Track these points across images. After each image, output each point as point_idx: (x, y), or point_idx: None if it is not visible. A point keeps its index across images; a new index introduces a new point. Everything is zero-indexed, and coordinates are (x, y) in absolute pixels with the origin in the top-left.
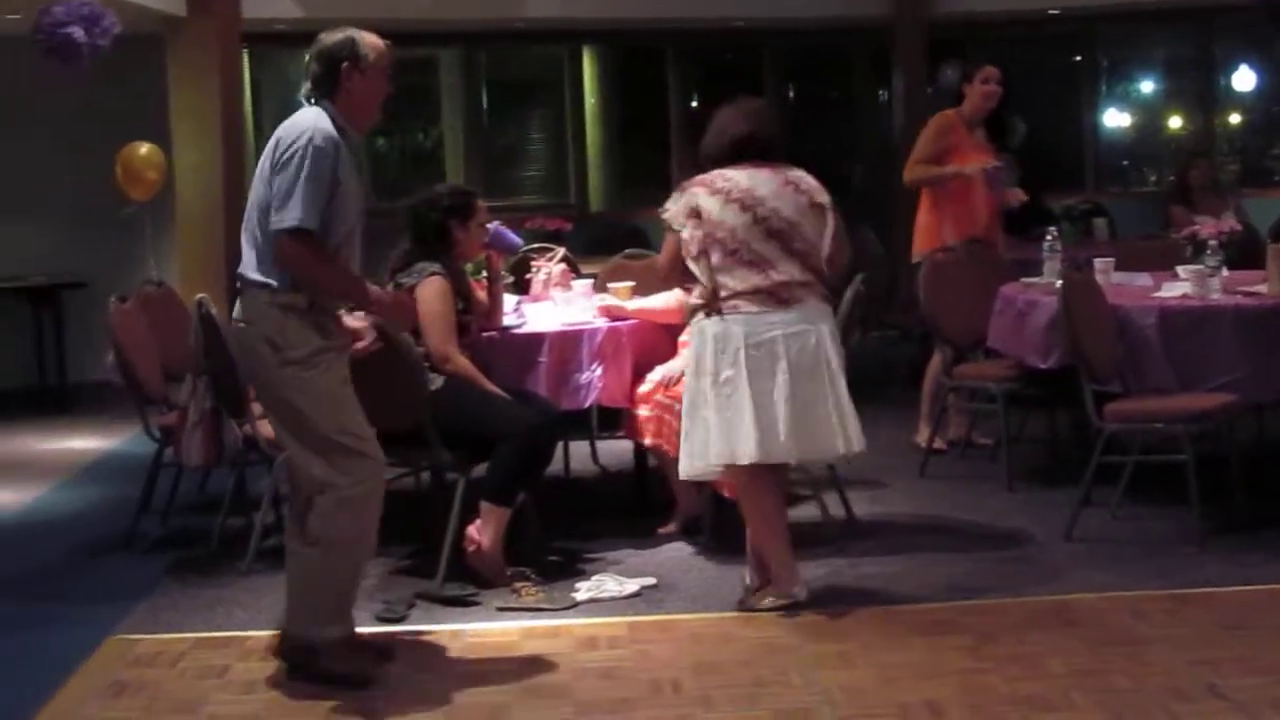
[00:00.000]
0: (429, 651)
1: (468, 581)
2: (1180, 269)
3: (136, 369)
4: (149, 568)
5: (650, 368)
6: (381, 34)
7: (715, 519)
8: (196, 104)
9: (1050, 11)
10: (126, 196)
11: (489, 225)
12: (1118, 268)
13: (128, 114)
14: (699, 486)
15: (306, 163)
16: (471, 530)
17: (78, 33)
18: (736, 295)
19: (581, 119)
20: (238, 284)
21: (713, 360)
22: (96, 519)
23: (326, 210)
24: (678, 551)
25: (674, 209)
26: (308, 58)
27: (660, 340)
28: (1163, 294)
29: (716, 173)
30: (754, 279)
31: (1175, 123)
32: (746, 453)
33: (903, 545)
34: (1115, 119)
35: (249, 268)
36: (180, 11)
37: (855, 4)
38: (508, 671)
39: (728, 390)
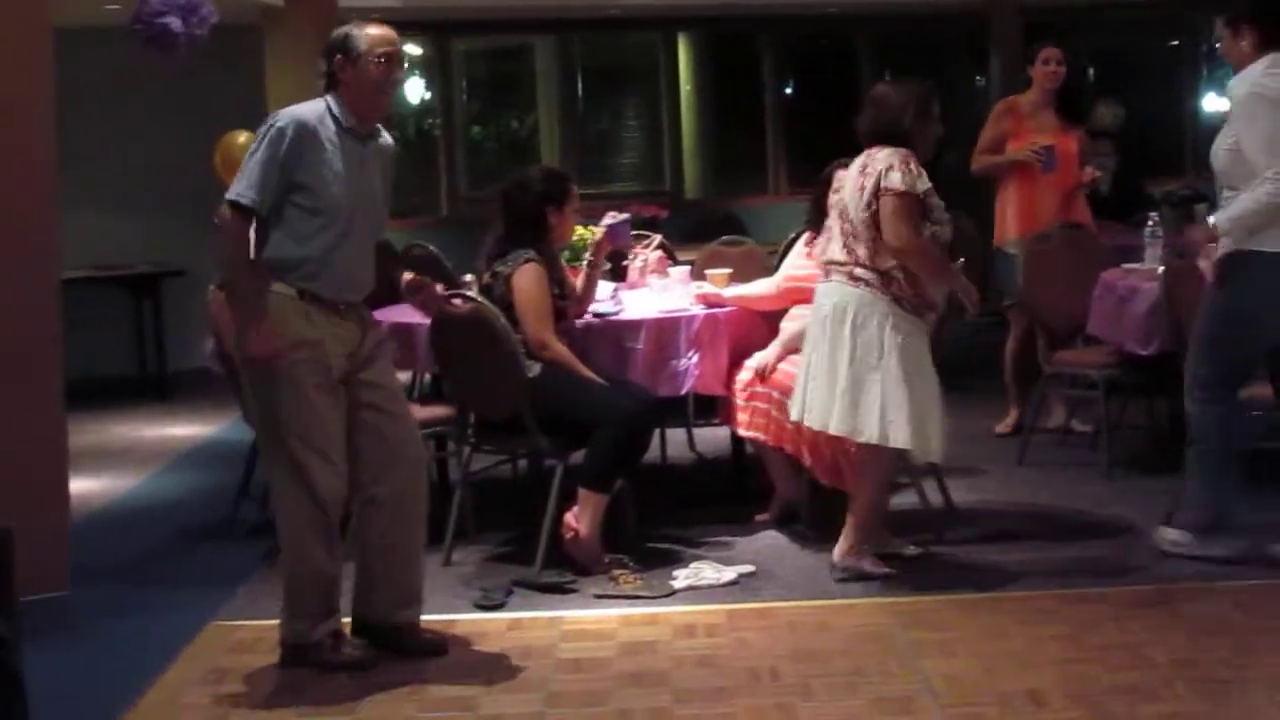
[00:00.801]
0: (527, 638)
1: (565, 568)
2: None
3: (235, 357)
4: (248, 554)
5: (747, 355)
6: (478, 22)
7: (813, 506)
8: (294, 93)
9: None
10: (226, 185)
11: (613, 217)
12: None
13: (227, 103)
14: (797, 473)
15: (263, 144)
16: (569, 517)
17: (175, 22)
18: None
19: (676, 106)
20: None
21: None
22: (196, 505)
23: (290, 194)
24: (775, 539)
25: None
26: None
27: (757, 327)
28: None
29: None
30: (837, 251)
31: None
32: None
33: (1001, 533)
34: (1215, 103)
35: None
36: (278, 1)
37: None
38: (606, 658)
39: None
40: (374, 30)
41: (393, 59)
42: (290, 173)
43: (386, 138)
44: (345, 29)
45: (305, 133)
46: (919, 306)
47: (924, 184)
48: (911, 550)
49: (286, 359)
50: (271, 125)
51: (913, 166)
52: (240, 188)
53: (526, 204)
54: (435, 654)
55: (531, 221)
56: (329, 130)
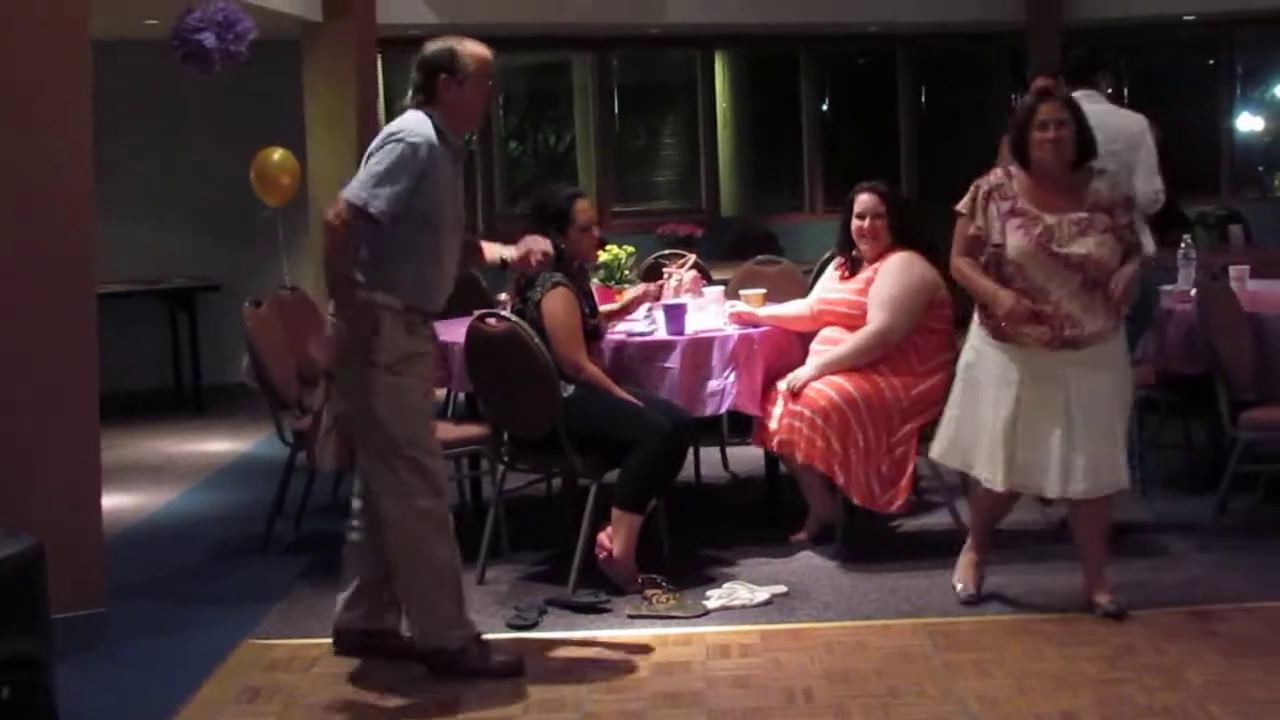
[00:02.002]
0: (561, 658)
1: (600, 588)
2: None
3: (271, 373)
4: (282, 571)
5: (782, 375)
6: (515, 39)
7: (847, 527)
8: (332, 109)
9: (1185, 17)
10: (261, 200)
11: (675, 297)
12: (1253, 275)
13: (265, 119)
14: (832, 492)
15: (394, 158)
16: (603, 537)
17: (209, 39)
18: None
19: (713, 123)
20: None
21: None
22: (231, 522)
23: (410, 210)
24: (809, 559)
25: None
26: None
27: (792, 347)
28: None
29: None
30: None
31: None
32: None
33: (1037, 554)
34: (1251, 124)
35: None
36: (317, 17)
37: (989, 9)
38: (640, 679)
39: None
40: (478, 49)
41: (492, 79)
42: (415, 190)
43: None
44: (448, 46)
45: (434, 152)
46: (993, 328)
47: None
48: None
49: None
50: (400, 139)
51: (980, 184)
52: (367, 195)
53: (531, 231)
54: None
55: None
56: (441, 148)
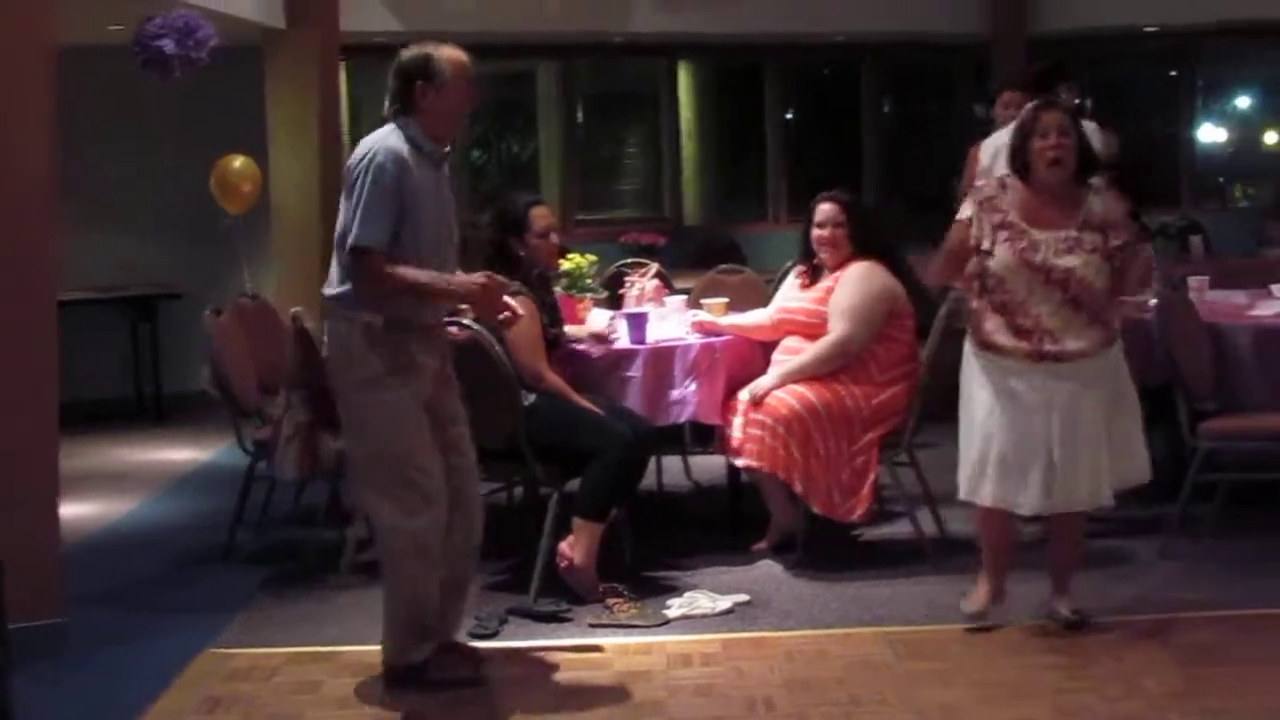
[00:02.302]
0: (522, 667)
1: (561, 597)
2: (1275, 287)
3: (232, 381)
4: (243, 581)
5: (744, 384)
6: (480, 47)
7: (808, 536)
8: (295, 116)
9: (1148, 28)
10: (222, 208)
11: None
12: (1213, 285)
13: (227, 126)
14: (794, 502)
15: (368, 183)
16: (564, 546)
17: (169, 45)
18: None
19: (677, 133)
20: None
21: None
22: (191, 531)
23: (402, 225)
24: (771, 568)
25: None
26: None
27: (754, 356)
28: (1258, 312)
29: None
30: None
31: (1271, 139)
32: None
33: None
34: (1212, 135)
35: (330, 285)
36: (279, 24)
37: (954, 20)
38: (601, 688)
39: None
40: (455, 54)
41: (471, 84)
42: (400, 203)
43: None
44: (424, 52)
45: (402, 163)
46: (979, 341)
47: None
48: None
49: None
50: (370, 162)
51: (976, 192)
52: (357, 233)
53: (491, 239)
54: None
55: (501, 255)
56: (413, 159)
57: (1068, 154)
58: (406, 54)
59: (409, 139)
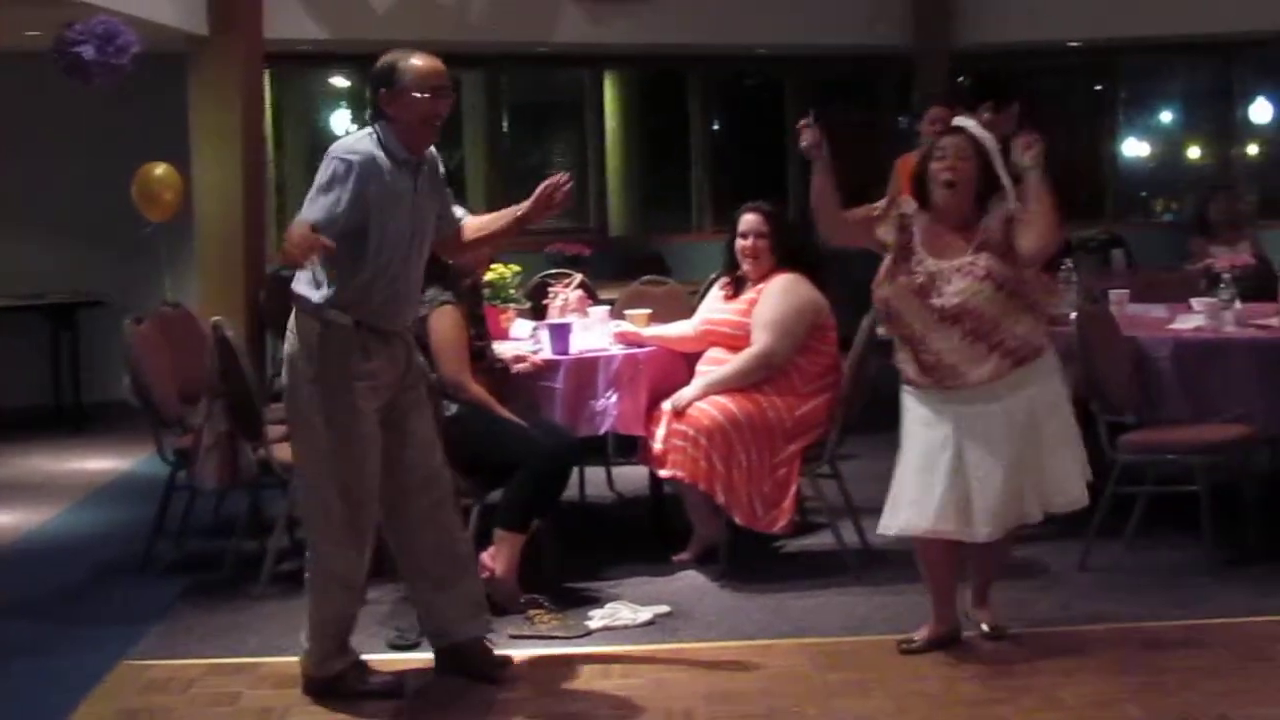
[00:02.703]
0: (441, 678)
1: None
2: (1195, 301)
3: (152, 391)
4: (162, 591)
5: (667, 395)
6: None
7: (731, 548)
8: (218, 124)
9: (1070, 43)
10: (143, 216)
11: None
12: (1134, 299)
13: (150, 133)
14: (716, 513)
15: (325, 176)
16: (485, 557)
17: (88, 51)
18: None
19: (602, 143)
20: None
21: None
22: (111, 541)
23: (351, 227)
24: (693, 579)
25: None
26: None
27: (677, 368)
28: (1177, 326)
29: None
30: None
31: (1194, 154)
32: None
33: (918, 574)
34: (1135, 149)
35: (298, 281)
36: (203, 31)
37: (878, 33)
38: (521, 699)
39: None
40: (419, 61)
41: (439, 91)
42: (353, 205)
43: (432, 151)
44: (390, 59)
45: (371, 168)
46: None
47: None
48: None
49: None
50: (331, 159)
51: (899, 202)
52: (307, 212)
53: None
54: (499, 670)
55: (430, 264)
56: (385, 164)
57: (962, 177)
58: (379, 61)
59: (382, 145)
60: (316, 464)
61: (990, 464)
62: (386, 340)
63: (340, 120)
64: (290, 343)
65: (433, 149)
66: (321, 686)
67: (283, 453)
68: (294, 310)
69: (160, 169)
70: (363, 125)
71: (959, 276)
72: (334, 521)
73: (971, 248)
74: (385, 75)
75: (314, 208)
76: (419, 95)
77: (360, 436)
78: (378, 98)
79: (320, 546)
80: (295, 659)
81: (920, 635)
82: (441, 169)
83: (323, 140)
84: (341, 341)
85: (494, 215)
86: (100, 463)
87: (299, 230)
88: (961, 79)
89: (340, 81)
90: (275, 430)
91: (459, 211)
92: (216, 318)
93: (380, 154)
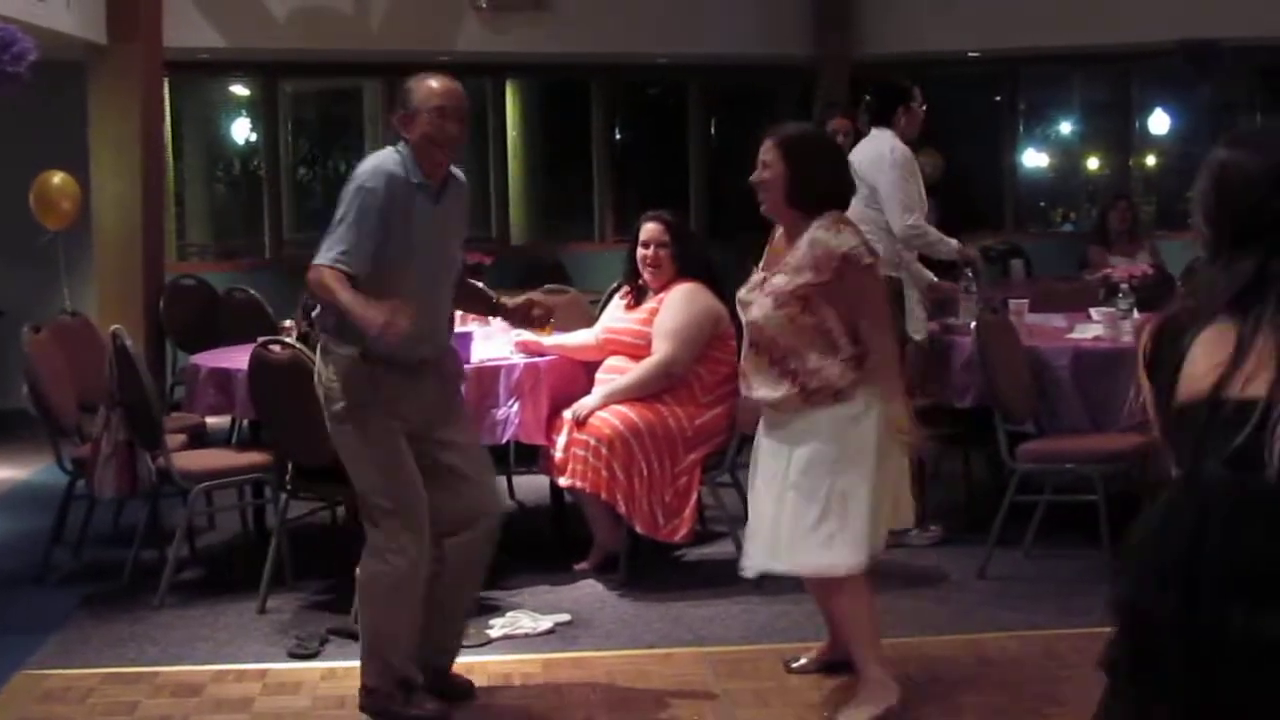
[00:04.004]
0: (342, 687)
1: None
2: (1093, 311)
3: (50, 399)
4: (60, 601)
5: (568, 404)
6: (305, 65)
7: (631, 556)
8: (117, 132)
9: (971, 54)
10: (41, 225)
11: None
12: (1034, 308)
13: (48, 141)
14: (617, 522)
15: (355, 206)
16: None
17: None
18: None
19: (504, 152)
20: None
21: (876, 439)
22: (8, 550)
23: (385, 247)
24: (593, 588)
25: (856, 239)
26: None
27: (578, 377)
28: (1076, 335)
29: (841, 212)
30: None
31: (1093, 164)
32: (880, 546)
33: None
34: (1034, 160)
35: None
36: (101, 39)
37: (779, 43)
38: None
39: (876, 476)
40: (432, 82)
41: (445, 112)
42: (385, 228)
43: (457, 177)
44: (409, 80)
45: (394, 187)
46: None
47: None
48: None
49: (397, 328)
50: (358, 187)
51: None
52: (336, 254)
53: None
54: (463, 698)
55: None
56: (405, 185)
57: (768, 185)
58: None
59: (403, 165)
60: (363, 490)
61: (761, 493)
62: (406, 372)
63: (240, 129)
64: (317, 382)
65: (463, 177)
66: (377, 702)
67: (183, 461)
68: (320, 349)
69: (58, 177)
70: (260, 134)
71: (761, 294)
72: (381, 523)
73: (781, 267)
74: (402, 96)
75: (335, 240)
76: (426, 115)
77: (380, 462)
78: (397, 120)
79: (368, 555)
80: (194, 668)
81: (809, 656)
82: (466, 199)
83: (222, 149)
84: (350, 374)
85: (478, 289)
86: None
87: (372, 313)
88: (866, 97)
89: (240, 90)
90: (174, 439)
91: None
92: (115, 326)
93: (400, 173)
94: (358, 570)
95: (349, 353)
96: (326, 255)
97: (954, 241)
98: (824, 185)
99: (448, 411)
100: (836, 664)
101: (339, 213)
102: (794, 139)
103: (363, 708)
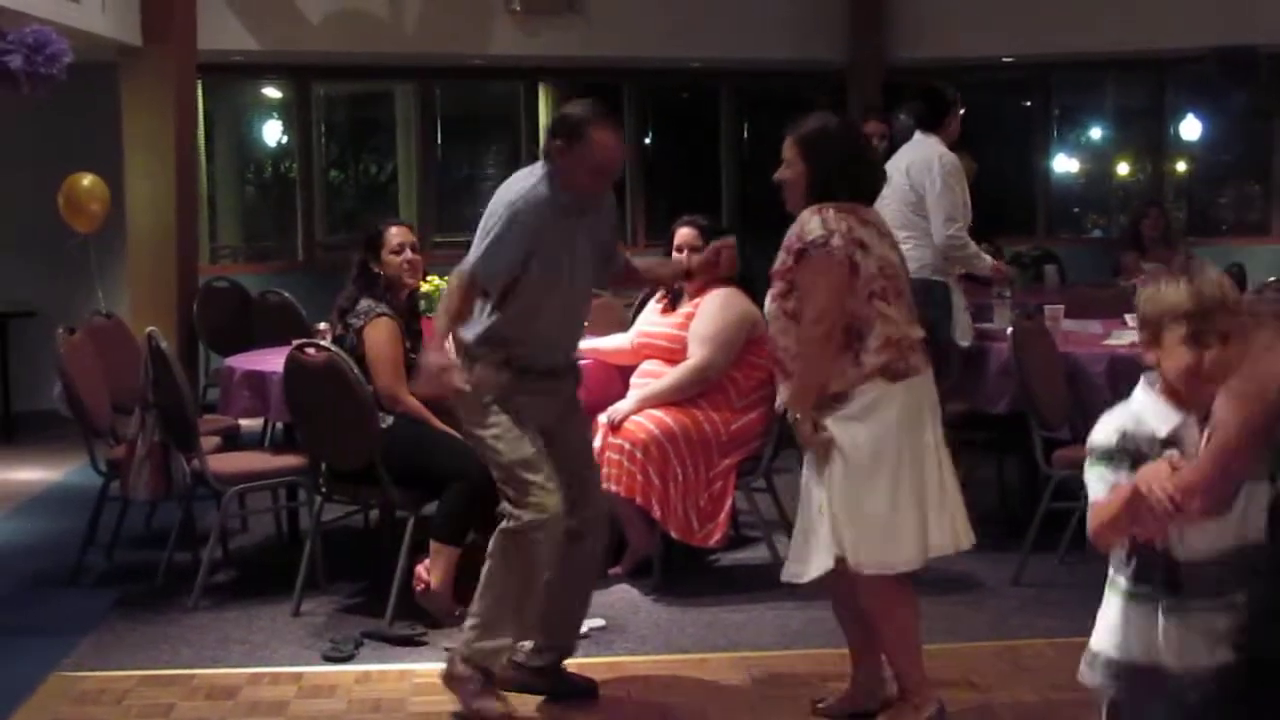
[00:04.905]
0: (377, 691)
1: (416, 620)
2: (1129, 316)
3: (84, 401)
4: (94, 602)
5: (602, 408)
6: (338, 68)
7: (665, 561)
8: (151, 134)
9: (1004, 59)
10: (70, 227)
11: None
12: (1068, 315)
13: (82, 143)
14: (651, 527)
15: (499, 226)
16: (420, 569)
17: (16, 60)
18: (913, 350)
19: (535, 156)
20: None
21: (900, 435)
22: (41, 552)
23: (523, 271)
24: (627, 593)
25: (828, 231)
26: None
27: (612, 381)
28: (1111, 341)
29: (853, 204)
30: (920, 331)
31: (1124, 170)
32: (913, 556)
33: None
34: (1066, 165)
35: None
36: (136, 41)
37: (812, 47)
38: (457, 712)
39: (908, 474)
40: (606, 139)
41: (603, 173)
42: (518, 256)
43: (609, 201)
44: (572, 112)
45: (537, 209)
46: None
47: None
48: None
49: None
50: (509, 210)
51: None
52: (478, 265)
53: (357, 261)
54: (586, 696)
55: (363, 277)
56: (552, 208)
57: (788, 185)
58: (566, 108)
59: (549, 185)
60: (494, 469)
61: (804, 506)
62: (544, 377)
63: (272, 131)
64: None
65: (612, 198)
66: (468, 676)
67: (217, 464)
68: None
69: (87, 180)
70: (292, 137)
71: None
72: (515, 489)
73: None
74: (564, 129)
75: (480, 257)
76: (586, 171)
77: (517, 443)
78: (551, 146)
79: (507, 511)
80: (229, 670)
81: (835, 696)
82: (614, 218)
83: (254, 151)
84: (496, 372)
85: (660, 262)
86: (31, 473)
87: (433, 362)
88: (916, 101)
89: (273, 93)
90: (208, 441)
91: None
92: (151, 328)
93: (546, 193)
94: (491, 541)
95: (492, 356)
96: (467, 263)
97: (989, 259)
98: (844, 179)
99: (571, 413)
100: (859, 711)
101: (486, 224)
102: (812, 135)
103: (452, 679)
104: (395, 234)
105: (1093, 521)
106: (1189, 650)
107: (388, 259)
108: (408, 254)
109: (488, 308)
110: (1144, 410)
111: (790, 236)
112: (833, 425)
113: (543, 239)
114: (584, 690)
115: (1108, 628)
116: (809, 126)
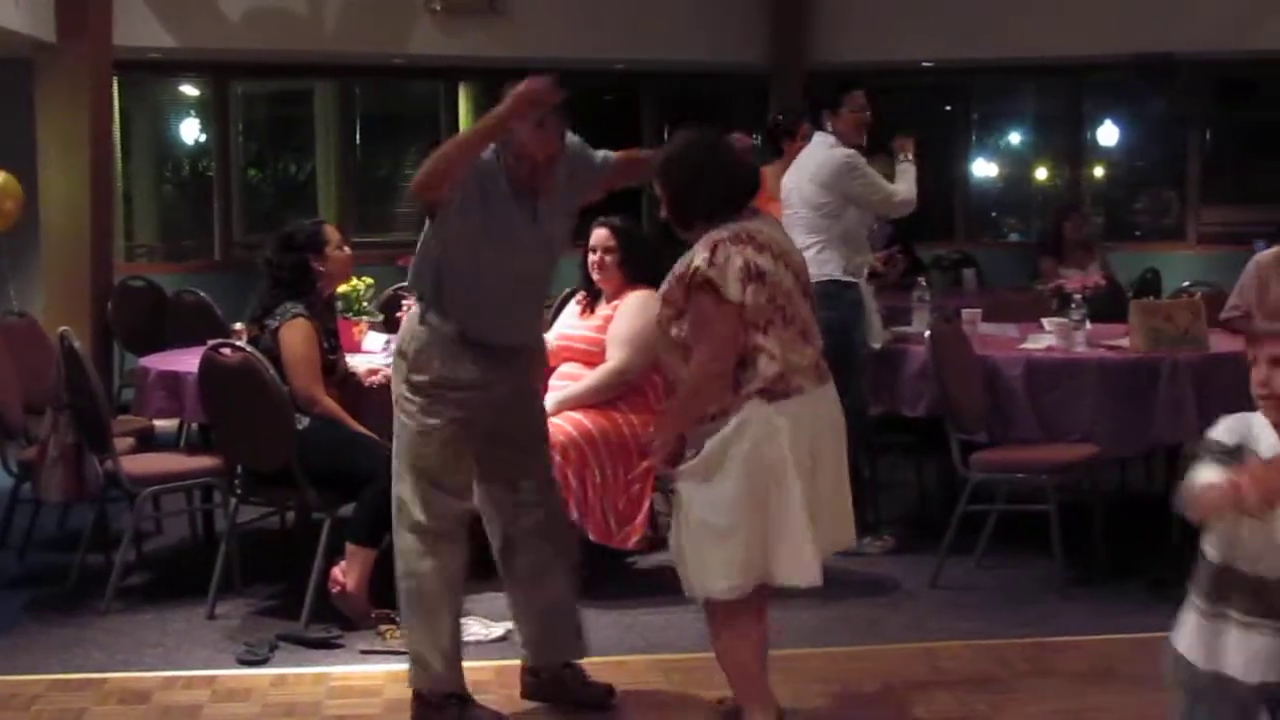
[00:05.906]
0: (293, 694)
1: (332, 623)
2: (1046, 321)
3: None
4: (5, 606)
5: None
6: (256, 65)
7: (584, 563)
8: (65, 132)
9: (925, 63)
10: None
11: None
12: (985, 318)
13: None
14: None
15: None
16: (336, 571)
17: None
18: (798, 372)
19: None
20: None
21: (780, 456)
22: None
23: (457, 232)
24: None
25: (721, 269)
26: None
27: None
28: (1029, 345)
29: (742, 225)
30: (810, 351)
31: (1043, 175)
32: (792, 573)
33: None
34: (986, 170)
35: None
36: (50, 37)
37: (733, 50)
38: (371, 715)
39: (781, 495)
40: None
41: (536, 169)
42: (464, 216)
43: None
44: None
45: (484, 178)
46: None
47: None
48: None
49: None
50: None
51: None
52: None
53: (291, 259)
54: (601, 704)
55: (299, 275)
56: (493, 180)
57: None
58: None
59: (496, 157)
60: (401, 456)
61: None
62: (501, 357)
63: (190, 129)
64: (399, 338)
65: (574, 142)
66: (424, 707)
67: (131, 465)
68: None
69: (1, 178)
70: (210, 135)
71: None
72: (419, 520)
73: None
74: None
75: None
76: (515, 157)
77: (441, 449)
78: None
79: (402, 554)
80: (141, 674)
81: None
82: (569, 224)
83: (172, 149)
84: (442, 349)
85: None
86: None
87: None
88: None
89: (191, 90)
90: (122, 442)
91: (599, 157)
92: (63, 328)
93: (496, 165)
94: (396, 559)
95: (446, 328)
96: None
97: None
98: (706, 196)
99: (525, 403)
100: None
101: None
102: (662, 164)
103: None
104: (332, 231)
105: (1192, 492)
106: (1261, 665)
107: (333, 254)
108: (345, 249)
109: (450, 273)
110: (1256, 423)
111: (681, 265)
112: (716, 444)
113: (491, 202)
114: (600, 698)
115: (1186, 635)
116: (661, 155)
